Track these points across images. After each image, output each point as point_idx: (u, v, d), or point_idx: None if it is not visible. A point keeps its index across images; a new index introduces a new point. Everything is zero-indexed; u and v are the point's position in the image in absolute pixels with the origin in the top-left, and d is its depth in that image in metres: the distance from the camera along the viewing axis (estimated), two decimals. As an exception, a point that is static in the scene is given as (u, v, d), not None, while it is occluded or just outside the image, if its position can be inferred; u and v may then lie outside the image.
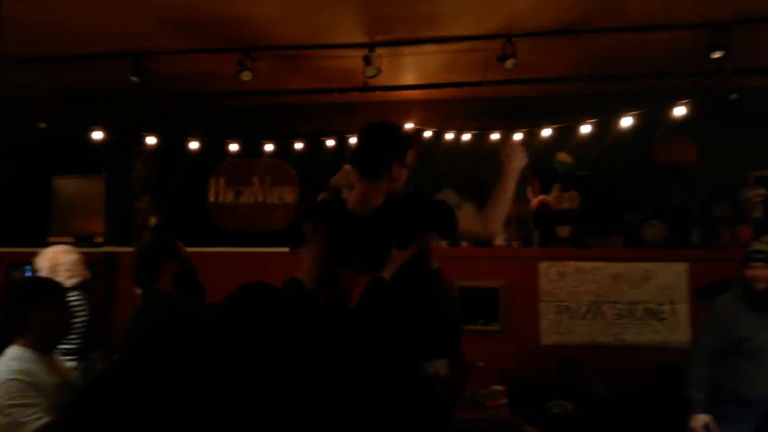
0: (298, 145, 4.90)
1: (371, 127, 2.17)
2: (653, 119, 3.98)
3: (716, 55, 3.23)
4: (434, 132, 4.67)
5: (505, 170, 2.13)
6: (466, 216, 2.08)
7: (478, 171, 5.02)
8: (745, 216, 4.60)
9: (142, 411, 1.34)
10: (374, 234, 2.10)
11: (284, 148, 4.91)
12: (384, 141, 2.14)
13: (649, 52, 3.63)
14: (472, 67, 3.97)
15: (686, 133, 4.56)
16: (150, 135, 4.75)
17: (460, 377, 2.34)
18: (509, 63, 3.50)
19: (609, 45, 3.54)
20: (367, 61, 3.67)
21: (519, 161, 2.15)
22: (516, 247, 4.78)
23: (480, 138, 4.57)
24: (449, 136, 4.59)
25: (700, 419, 3.11)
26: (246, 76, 3.76)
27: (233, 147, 4.88)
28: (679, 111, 3.83)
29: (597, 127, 4.20)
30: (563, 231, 4.77)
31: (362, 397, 1.85)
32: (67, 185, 5.69)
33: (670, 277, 4.52)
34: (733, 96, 3.75)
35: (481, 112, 4.65)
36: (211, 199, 5.43)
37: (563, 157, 4.81)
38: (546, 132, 4.29)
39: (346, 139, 4.81)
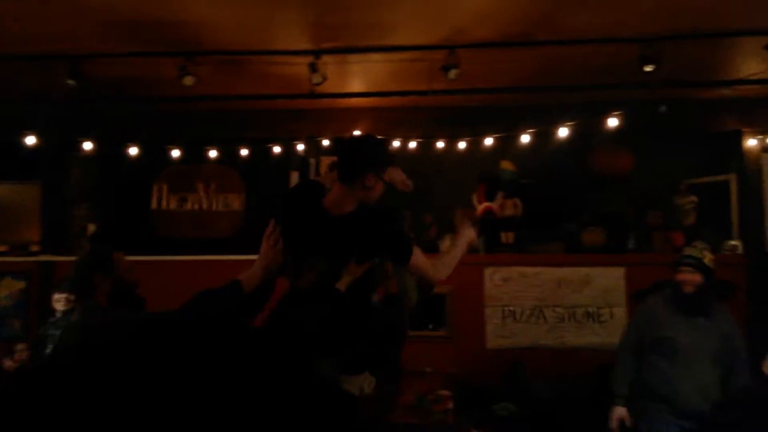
0: (244, 152, 4.84)
1: (355, 136, 2.34)
2: (590, 129, 4.13)
3: (648, 68, 3.39)
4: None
5: (458, 239, 2.37)
6: (419, 254, 2.18)
7: (424, 179, 5.12)
8: (677, 222, 4.84)
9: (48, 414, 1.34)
10: (339, 238, 2.18)
11: (230, 154, 4.85)
12: (364, 151, 2.25)
13: (586, 65, 3.78)
14: (417, 76, 4.03)
15: (622, 142, 4.77)
16: (88, 140, 4.60)
17: (389, 395, 2.36)
18: (452, 73, 3.57)
19: (549, 57, 3.67)
20: (313, 68, 3.67)
21: (469, 236, 2.37)
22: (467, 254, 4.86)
23: (426, 146, 4.65)
24: (396, 143, 4.64)
25: (617, 412, 3.25)
26: (188, 81, 3.69)
27: (176, 153, 4.78)
28: (612, 122, 3.99)
29: (537, 137, 4.33)
30: (507, 237, 4.88)
31: (273, 415, 1.84)
32: (1, 192, 5.43)
33: (609, 281, 4.70)
34: (662, 108, 3.94)
35: (426, 120, 4.72)
36: (154, 206, 5.29)
37: (507, 165, 4.94)
38: (488, 141, 4.40)
39: (293, 145, 4.79)
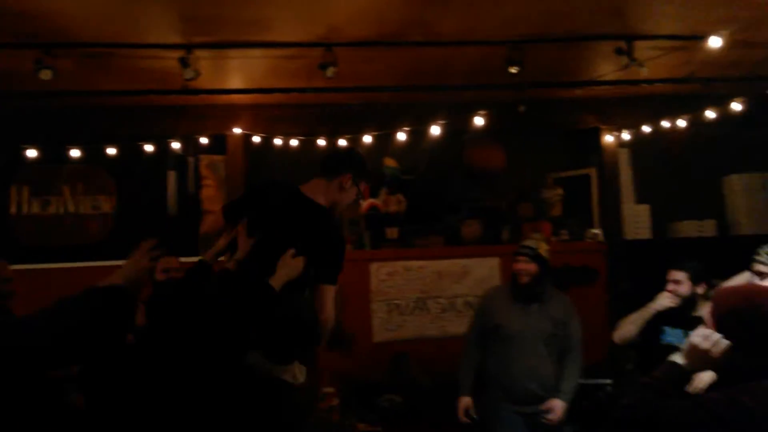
0: (113, 150, 4.55)
1: (345, 146, 2.65)
2: (463, 127, 4.32)
3: (513, 70, 3.60)
4: (262, 137, 4.63)
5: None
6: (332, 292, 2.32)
7: (307, 178, 5.11)
8: (545, 213, 5.20)
9: None
10: (293, 220, 2.38)
11: (97, 153, 4.54)
12: (347, 155, 2.61)
13: (457, 65, 3.94)
14: (297, 73, 4.00)
15: (495, 139, 5.04)
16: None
17: (314, 384, 2.41)
18: (330, 71, 3.58)
19: (422, 58, 3.78)
20: (184, 63, 3.52)
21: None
22: (349, 250, 4.92)
23: (308, 144, 4.63)
24: (277, 141, 4.58)
25: (462, 402, 3.41)
26: (45, 75, 3.41)
27: (34, 153, 4.40)
28: (481, 121, 4.20)
29: (416, 134, 4.47)
30: (392, 233, 4.99)
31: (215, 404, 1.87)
32: None
33: (485, 271, 4.95)
34: (521, 108, 4.21)
35: (307, 118, 4.70)
36: (13, 210, 4.84)
37: (389, 162, 5.05)
38: (368, 139, 4.47)
39: (168, 143, 4.58)
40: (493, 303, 3.50)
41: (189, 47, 3.57)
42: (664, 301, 3.17)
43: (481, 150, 5.10)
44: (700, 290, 3.16)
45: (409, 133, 4.46)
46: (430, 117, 4.34)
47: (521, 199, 5.23)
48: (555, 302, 3.45)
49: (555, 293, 3.51)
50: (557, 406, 3.28)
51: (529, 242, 3.50)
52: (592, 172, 5.21)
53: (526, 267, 3.38)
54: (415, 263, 4.89)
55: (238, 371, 2.02)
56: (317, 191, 2.48)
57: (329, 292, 2.31)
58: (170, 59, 3.68)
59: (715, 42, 3.32)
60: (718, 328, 1.65)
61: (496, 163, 5.09)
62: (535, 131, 5.16)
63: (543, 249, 3.43)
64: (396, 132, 4.39)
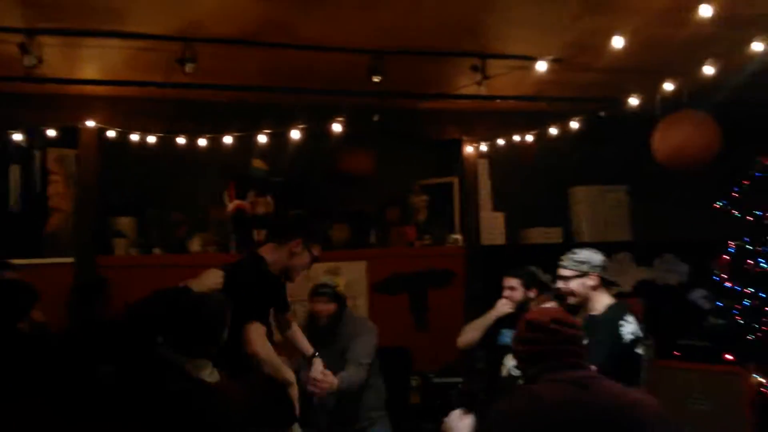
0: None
1: (296, 213, 2.92)
2: (328, 131, 4.36)
3: (376, 79, 3.70)
4: (118, 132, 4.37)
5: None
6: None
7: (168, 176, 4.91)
8: (410, 218, 5.39)
9: None
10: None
11: None
12: (297, 220, 2.89)
13: (322, 69, 3.97)
14: (157, 66, 3.81)
15: (364, 145, 5.15)
16: None
17: (253, 384, 2.40)
18: (189, 67, 3.47)
19: (287, 59, 3.77)
20: (25, 48, 3.25)
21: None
22: (213, 253, 4.77)
23: (168, 141, 4.44)
24: (134, 137, 4.35)
25: None
26: None
27: None
28: (339, 127, 4.25)
29: (283, 137, 4.44)
30: (260, 235, 4.92)
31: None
32: None
33: (353, 274, 5.01)
34: (376, 117, 4.34)
35: (167, 114, 4.51)
36: None
37: (258, 163, 4.98)
38: (230, 139, 4.38)
39: (9, 134, 4.20)
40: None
41: (31, 32, 3.29)
42: (503, 308, 3.44)
43: (351, 155, 5.18)
44: (531, 295, 3.43)
45: (273, 135, 4.42)
46: (294, 119, 4.34)
47: (389, 204, 5.38)
48: (347, 334, 3.37)
49: (351, 322, 3.46)
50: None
51: (326, 280, 3.46)
52: (455, 180, 5.48)
53: (326, 308, 3.34)
54: (281, 266, 4.84)
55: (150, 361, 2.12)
56: (270, 257, 2.65)
57: (250, 329, 2.45)
58: (10, 44, 3.38)
59: (541, 66, 3.59)
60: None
61: (365, 168, 5.20)
62: (404, 140, 5.34)
63: (340, 287, 3.43)
64: (259, 133, 4.34)
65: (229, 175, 4.86)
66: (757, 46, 2.94)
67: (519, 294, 3.44)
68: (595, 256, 2.93)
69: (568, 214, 5.70)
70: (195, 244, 4.83)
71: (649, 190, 5.39)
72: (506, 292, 3.46)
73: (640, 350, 2.73)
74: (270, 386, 2.43)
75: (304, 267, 2.80)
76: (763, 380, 4.42)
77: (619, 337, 2.68)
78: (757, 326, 4.56)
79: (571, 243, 5.56)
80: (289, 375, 2.56)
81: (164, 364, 2.11)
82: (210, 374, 2.19)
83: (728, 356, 4.49)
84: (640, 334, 2.76)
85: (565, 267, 2.94)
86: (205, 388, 2.10)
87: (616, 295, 3.03)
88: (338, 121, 4.23)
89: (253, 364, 2.48)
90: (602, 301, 2.86)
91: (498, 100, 4.59)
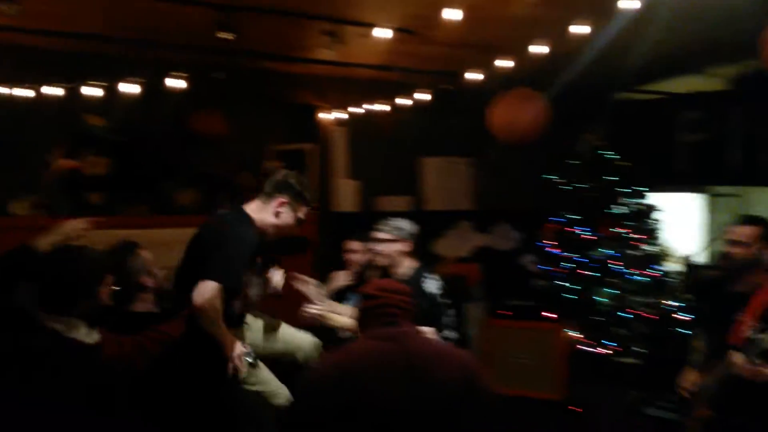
0: None
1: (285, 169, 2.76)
2: (171, 89, 4.12)
3: (224, 35, 3.54)
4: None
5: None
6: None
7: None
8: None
9: None
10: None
11: None
12: (285, 178, 2.62)
13: (168, 23, 3.73)
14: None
15: (216, 105, 4.95)
16: None
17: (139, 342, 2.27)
18: (11, 8, 3.08)
19: (130, 9, 3.48)
20: None
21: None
22: (42, 216, 4.34)
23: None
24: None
25: None
26: None
27: None
28: (178, 83, 4.04)
29: (124, 91, 4.12)
30: (95, 198, 4.56)
31: None
32: None
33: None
34: (220, 75, 4.18)
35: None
36: None
37: (94, 120, 4.59)
38: (58, 90, 3.98)
39: None
40: None
41: None
42: (338, 282, 3.54)
43: (201, 115, 4.95)
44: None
45: (114, 90, 4.09)
46: (134, 73, 4.04)
47: (241, 169, 5.24)
48: None
49: None
50: None
51: None
52: (310, 147, 5.46)
53: None
54: (120, 232, 4.52)
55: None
56: (254, 212, 2.58)
57: (203, 284, 2.27)
58: None
59: (383, 33, 3.65)
60: None
61: (216, 130, 5.00)
62: (260, 103, 5.19)
63: None
64: (89, 85, 3.99)
65: (62, 131, 4.43)
66: (578, 29, 3.22)
67: (359, 257, 3.57)
68: (408, 226, 3.23)
69: (418, 184, 5.94)
70: (19, 207, 4.37)
71: (490, 161, 5.77)
72: (348, 255, 3.59)
73: (440, 301, 3.12)
74: (186, 346, 2.35)
75: (290, 228, 2.64)
76: (576, 335, 5.00)
77: (423, 292, 3.01)
78: (574, 287, 5.13)
79: (419, 211, 5.83)
80: (229, 341, 2.41)
81: (22, 319, 2.02)
82: (87, 334, 2.08)
83: (548, 314, 5.00)
84: (441, 291, 3.13)
85: (381, 231, 3.21)
86: (73, 347, 2.01)
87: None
88: (180, 77, 3.99)
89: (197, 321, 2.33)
90: (408, 265, 3.19)
91: (353, 68, 4.63)
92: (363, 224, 5.07)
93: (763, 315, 2.70)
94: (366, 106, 5.11)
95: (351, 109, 5.20)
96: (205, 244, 2.44)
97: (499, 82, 4.09)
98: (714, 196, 6.90)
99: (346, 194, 5.50)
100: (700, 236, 7.00)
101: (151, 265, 2.54)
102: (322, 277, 4.59)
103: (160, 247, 4.65)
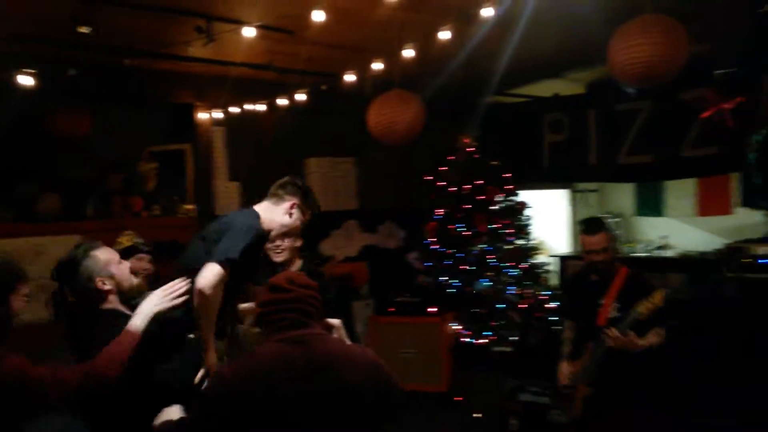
0: None
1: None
2: (46, 87, 3.80)
3: (83, 30, 3.32)
4: None
5: None
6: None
7: None
8: (138, 187, 5.01)
9: None
10: None
11: None
12: (295, 182, 2.71)
13: (22, 13, 3.43)
14: None
15: (82, 104, 4.61)
16: None
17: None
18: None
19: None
20: None
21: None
22: None
23: None
24: None
25: None
26: None
27: None
28: (27, 80, 3.72)
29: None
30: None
31: None
32: None
33: (65, 250, 4.49)
34: (72, 72, 3.95)
35: None
36: None
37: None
38: None
39: None
40: None
41: None
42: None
43: (62, 114, 4.59)
44: None
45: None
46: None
47: (111, 171, 4.93)
48: None
49: None
50: None
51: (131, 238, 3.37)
52: (187, 147, 5.26)
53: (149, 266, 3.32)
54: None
55: None
56: (264, 212, 2.61)
57: (206, 268, 2.24)
58: None
59: (248, 32, 3.60)
60: None
61: (80, 130, 4.66)
62: (132, 101, 4.91)
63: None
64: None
65: None
66: (444, 34, 3.37)
67: None
68: None
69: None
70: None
71: (372, 162, 5.87)
72: None
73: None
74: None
75: (296, 229, 2.74)
76: (458, 327, 5.23)
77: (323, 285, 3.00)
78: (455, 281, 5.36)
79: (304, 212, 5.80)
80: (210, 344, 2.33)
81: None
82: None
83: (431, 309, 5.18)
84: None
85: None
86: None
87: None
88: (28, 74, 3.68)
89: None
90: (298, 263, 3.33)
91: (230, 66, 4.52)
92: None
93: (620, 297, 3.11)
94: (246, 105, 5.00)
95: (230, 109, 5.07)
96: (214, 235, 2.45)
97: (376, 84, 4.17)
98: (576, 192, 7.52)
99: (227, 196, 5.35)
100: (566, 230, 7.58)
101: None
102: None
103: (26, 257, 4.32)
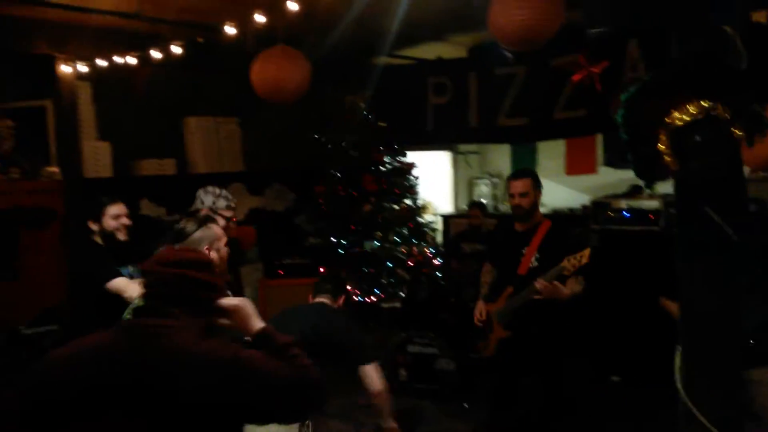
0: None
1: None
2: None
3: None
4: None
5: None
6: None
7: None
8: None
9: None
10: None
11: None
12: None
13: None
14: None
15: None
16: None
17: None
18: None
19: None
20: None
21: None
22: None
23: None
24: None
25: None
26: None
27: None
28: None
29: None
30: None
31: None
32: None
33: None
34: None
35: None
36: None
37: None
38: None
39: None
40: None
41: None
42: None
43: None
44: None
45: None
46: None
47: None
48: None
49: None
50: None
51: None
52: (49, 104, 4.77)
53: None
54: None
55: None
56: None
57: None
58: None
59: None
60: None
61: None
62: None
63: None
64: None
65: None
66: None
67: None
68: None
69: (182, 145, 5.60)
70: None
71: (257, 122, 5.67)
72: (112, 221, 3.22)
73: None
74: None
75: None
76: (348, 286, 5.28)
77: None
78: (344, 242, 5.39)
79: (185, 174, 5.52)
80: None
81: None
82: None
83: (321, 270, 5.19)
84: None
85: (228, 201, 3.52)
86: None
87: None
88: None
89: None
90: None
91: (95, 14, 4.11)
92: (119, 190, 4.65)
93: (540, 248, 3.31)
94: (115, 58, 4.58)
95: (97, 62, 4.62)
96: None
97: (260, 39, 3.99)
98: (458, 153, 7.80)
99: (97, 158, 4.94)
100: (448, 190, 7.88)
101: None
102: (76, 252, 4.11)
103: None
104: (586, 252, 3.06)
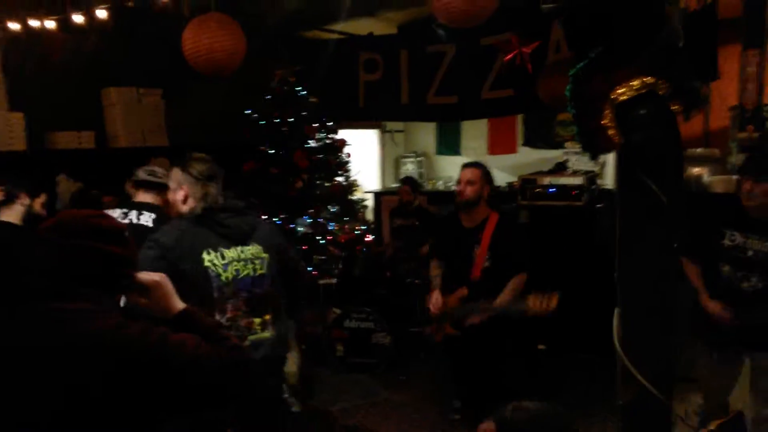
0: None
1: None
2: None
3: None
4: None
5: None
6: None
7: None
8: None
9: None
10: None
11: None
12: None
13: None
14: None
15: None
16: None
17: None
18: None
19: None
20: None
21: None
22: None
23: None
24: None
25: None
26: None
27: None
28: None
29: None
30: None
31: None
32: None
33: None
34: None
35: None
36: None
37: None
38: None
39: None
40: None
41: None
42: None
43: None
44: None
45: None
46: None
47: None
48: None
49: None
50: None
51: None
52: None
53: None
54: None
55: None
56: None
57: None
58: None
59: None
60: None
61: None
62: None
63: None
64: None
65: None
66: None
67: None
68: None
69: (101, 117, 5.28)
70: None
71: (183, 94, 5.44)
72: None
73: None
74: None
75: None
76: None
77: None
78: (276, 219, 5.31)
79: (106, 148, 5.22)
80: None
81: None
82: None
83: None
84: None
85: None
86: None
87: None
88: None
89: None
90: None
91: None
92: (33, 165, 4.33)
93: (491, 246, 3.29)
94: (31, 22, 4.21)
95: (9, 25, 4.24)
96: None
97: (193, 5, 3.82)
98: (385, 131, 7.88)
99: (6, 129, 4.57)
100: (376, 167, 7.96)
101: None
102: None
103: None
104: (554, 299, 3.01)
